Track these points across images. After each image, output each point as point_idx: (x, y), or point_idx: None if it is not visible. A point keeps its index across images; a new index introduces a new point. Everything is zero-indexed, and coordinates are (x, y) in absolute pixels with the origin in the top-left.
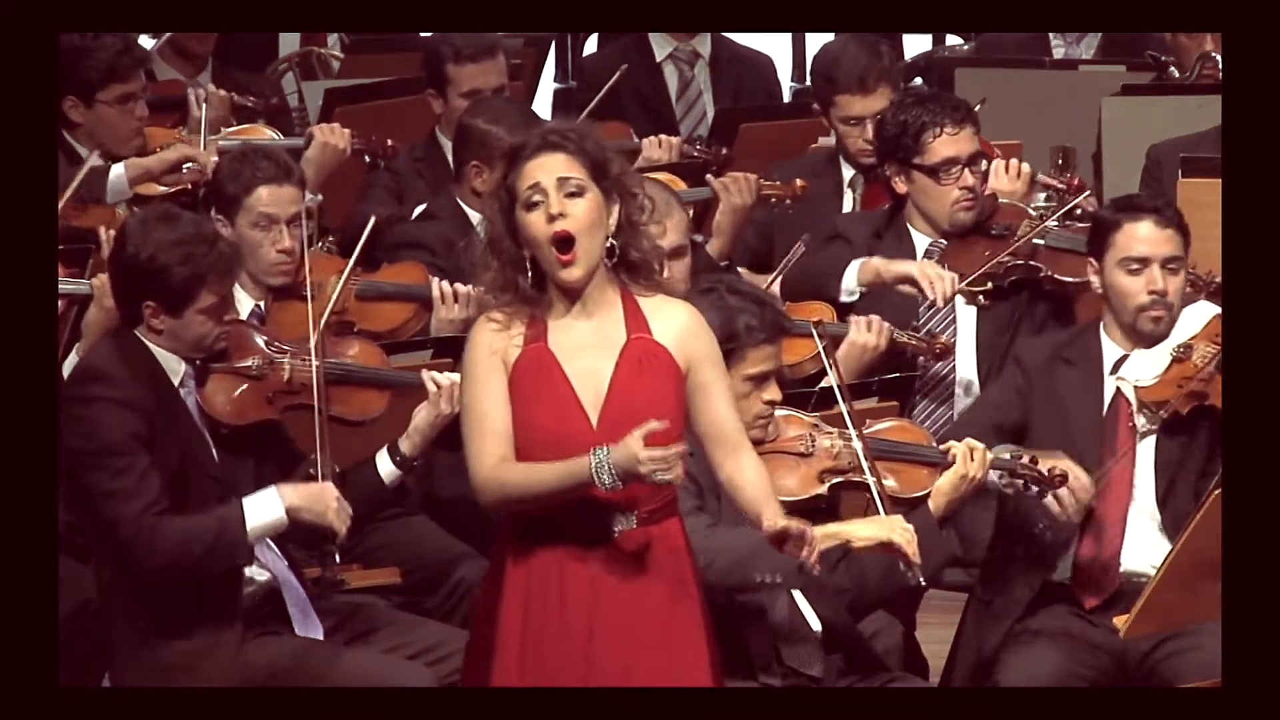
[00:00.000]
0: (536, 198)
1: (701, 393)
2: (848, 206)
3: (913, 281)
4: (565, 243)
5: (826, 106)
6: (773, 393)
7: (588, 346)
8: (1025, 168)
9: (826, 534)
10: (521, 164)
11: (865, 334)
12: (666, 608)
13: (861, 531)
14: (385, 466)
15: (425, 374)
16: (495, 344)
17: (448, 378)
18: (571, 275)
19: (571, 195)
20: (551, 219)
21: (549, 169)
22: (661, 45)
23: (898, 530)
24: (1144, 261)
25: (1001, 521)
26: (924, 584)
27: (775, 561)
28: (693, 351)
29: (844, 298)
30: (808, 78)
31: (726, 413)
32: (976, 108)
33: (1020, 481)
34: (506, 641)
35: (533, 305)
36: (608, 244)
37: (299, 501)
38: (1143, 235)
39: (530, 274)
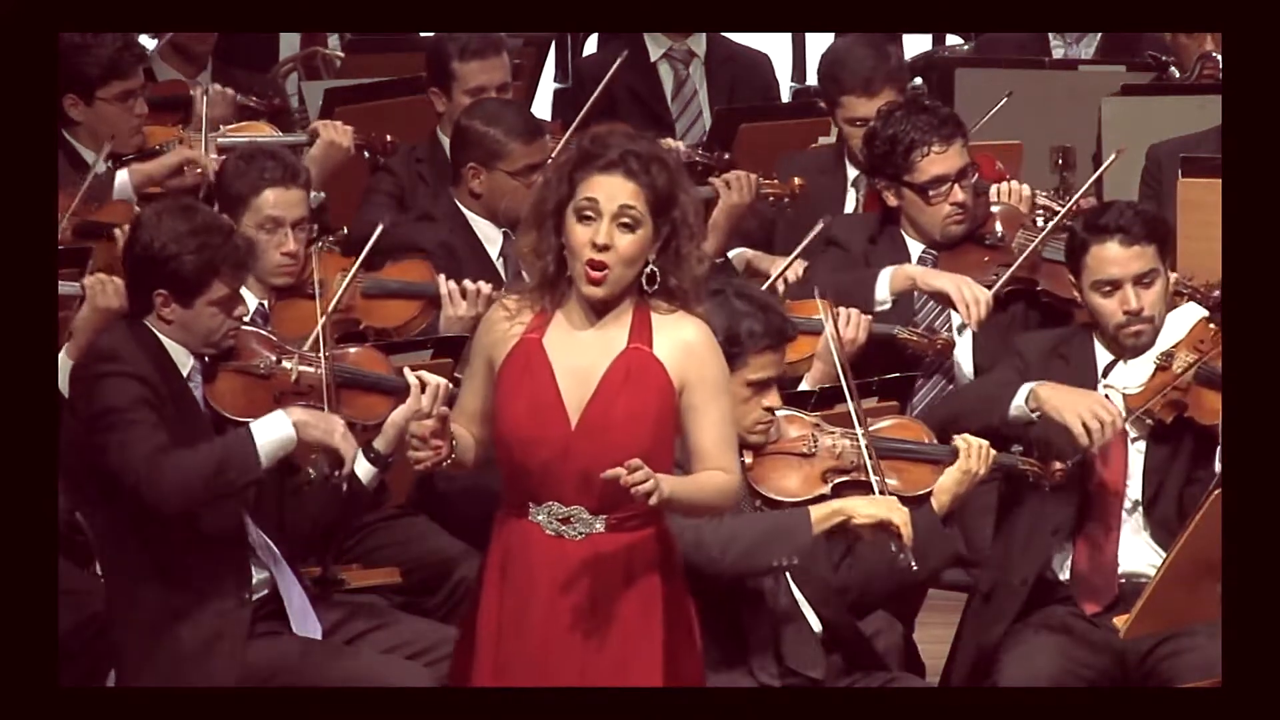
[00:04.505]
0: (590, 214)
1: (692, 413)
2: (850, 205)
3: (949, 299)
4: (599, 267)
5: (832, 106)
6: (772, 399)
7: (586, 346)
8: (1025, 190)
9: (832, 510)
10: (590, 171)
11: (844, 329)
12: (625, 616)
13: (863, 509)
14: (361, 466)
15: (409, 373)
16: (495, 333)
17: (434, 379)
18: (594, 294)
19: (624, 227)
20: (597, 248)
21: (612, 193)
22: (656, 45)
23: (895, 510)
24: (1115, 284)
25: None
26: (915, 568)
27: (787, 545)
28: (690, 372)
29: (876, 308)
30: (814, 76)
31: (711, 439)
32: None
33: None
34: (484, 640)
35: (549, 291)
36: (646, 271)
37: (306, 417)
38: (1110, 257)
39: (559, 263)
